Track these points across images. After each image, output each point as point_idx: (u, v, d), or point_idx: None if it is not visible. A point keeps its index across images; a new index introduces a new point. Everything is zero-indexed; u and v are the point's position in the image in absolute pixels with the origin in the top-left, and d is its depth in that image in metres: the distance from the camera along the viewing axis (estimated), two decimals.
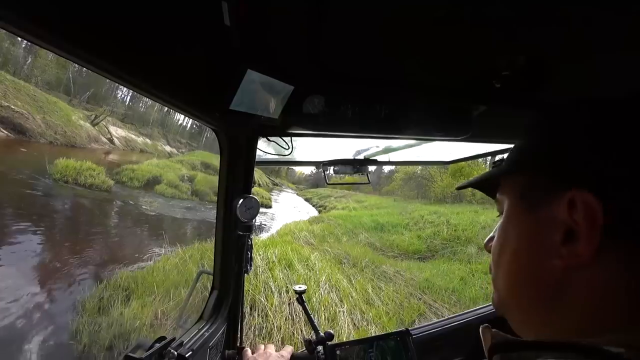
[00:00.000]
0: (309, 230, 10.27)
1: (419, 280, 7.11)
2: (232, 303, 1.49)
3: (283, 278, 5.86)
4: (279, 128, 1.23)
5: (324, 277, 6.22)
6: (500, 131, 1.45)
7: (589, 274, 0.39)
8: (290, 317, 4.86)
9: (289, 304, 5.11)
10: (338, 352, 1.37)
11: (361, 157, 1.69)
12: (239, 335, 1.54)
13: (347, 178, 1.72)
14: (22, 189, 9.18)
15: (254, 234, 1.60)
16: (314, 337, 1.40)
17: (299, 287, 1.53)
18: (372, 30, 0.81)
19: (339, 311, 5.23)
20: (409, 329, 1.51)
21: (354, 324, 5.02)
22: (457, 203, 14.42)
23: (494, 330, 0.45)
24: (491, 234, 0.56)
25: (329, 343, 1.39)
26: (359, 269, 7.50)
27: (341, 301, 5.52)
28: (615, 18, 0.73)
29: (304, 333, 4.60)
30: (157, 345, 1.07)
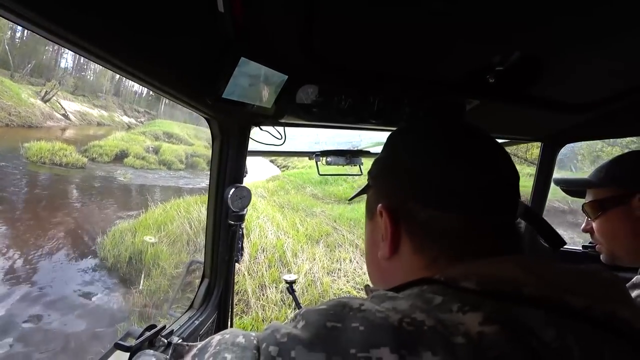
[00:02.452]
0: (264, 187, 10.07)
1: (334, 215, 7.67)
2: (222, 292, 1.24)
3: None
4: (272, 117, 0.99)
5: (264, 215, 6.79)
6: (492, 126, 1.29)
7: (395, 263, 0.44)
8: None
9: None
10: None
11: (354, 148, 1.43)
12: (229, 323, 1.32)
13: (340, 169, 1.43)
14: (17, 173, 9.05)
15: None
16: None
17: (289, 277, 1.34)
18: (367, 22, 0.67)
19: (269, 230, 6.05)
20: None
21: (278, 237, 5.86)
22: None
23: (372, 287, 0.48)
24: None
25: None
26: (295, 211, 7.92)
27: (272, 226, 6.34)
28: (611, 18, 0.64)
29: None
30: (148, 333, 0.87)
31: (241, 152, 1.08)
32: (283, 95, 0.87)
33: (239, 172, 1.11)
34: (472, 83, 0.91)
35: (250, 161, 1.15)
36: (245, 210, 1.13)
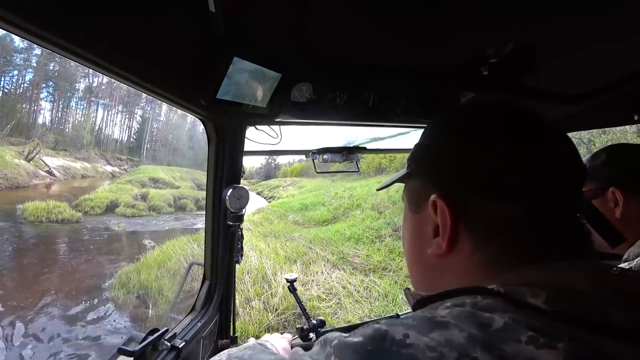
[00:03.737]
0: (249, 221, 9.89)
1: (310, 237, 7.82)
2: (223, 293, 1.13)
3: None
4: (267, 117, 0.94)
5: (248, 245, 6.93)
6: None
7: (450, 261, 0.37)
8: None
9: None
10: None
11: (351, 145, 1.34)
12: (231, 325, 1.19)
13: (337, 166, 1.32)
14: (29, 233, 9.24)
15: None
16: (306, 325, 1.15)
17: (290, 276, 1.24)
18: (360, 15, 0.63)
19: (252, 256, 6.35)
20: (399, 313, 1.34)
21: (260, 261, 6.13)
22: (373, 177, 12.96)
23: (412, 291, 0.41)
24: None
25: (321, 330, 1.15)
26: (276, 238, 8.01)
27: (255, 252, 6.64)
28: (604, 8, 0.62)
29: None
30: (150, 337, 0.79)
31: (237, 152, 1.02)
32: (277, 94, 0.83)
33: (236, 172, 1.04)
34: (467, 75, 0.87)
35: None
36: (244, 210, 1.05)
